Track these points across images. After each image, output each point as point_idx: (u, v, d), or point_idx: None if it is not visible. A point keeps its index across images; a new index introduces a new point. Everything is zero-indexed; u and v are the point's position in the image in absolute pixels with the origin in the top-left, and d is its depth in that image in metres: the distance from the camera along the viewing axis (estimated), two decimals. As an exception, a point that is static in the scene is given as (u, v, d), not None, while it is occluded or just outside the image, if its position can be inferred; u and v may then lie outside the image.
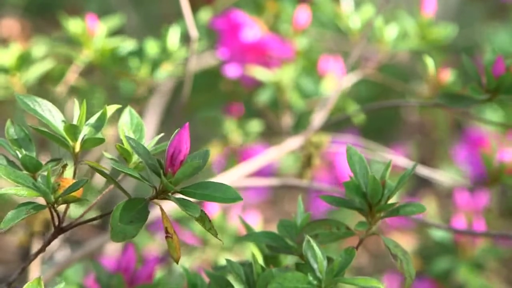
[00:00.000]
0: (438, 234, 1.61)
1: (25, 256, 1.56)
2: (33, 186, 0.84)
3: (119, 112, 0.93)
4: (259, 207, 2.11)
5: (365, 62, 1.58)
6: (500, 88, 1.10)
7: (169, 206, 1.23)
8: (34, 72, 1.42)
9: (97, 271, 1.13)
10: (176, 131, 0.83)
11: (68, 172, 0.87)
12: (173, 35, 1.43)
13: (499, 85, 1.09)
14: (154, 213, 1.30)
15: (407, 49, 1.55)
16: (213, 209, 1.49)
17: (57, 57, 1.48)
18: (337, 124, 1.50)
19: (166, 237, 0.83)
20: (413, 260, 0.89)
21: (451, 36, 1.56)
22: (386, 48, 1.54)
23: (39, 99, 0.88)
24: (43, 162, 0.87)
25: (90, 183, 1.43)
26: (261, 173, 1.66)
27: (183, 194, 0.83)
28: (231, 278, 0.92)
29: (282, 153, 1.41)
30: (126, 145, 0.87)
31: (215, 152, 1.60)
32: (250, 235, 0.95)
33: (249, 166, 1.37)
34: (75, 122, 0.88)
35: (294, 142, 1.41)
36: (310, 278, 0.84)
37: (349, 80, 1.50)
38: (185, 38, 1.45)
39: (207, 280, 0.94)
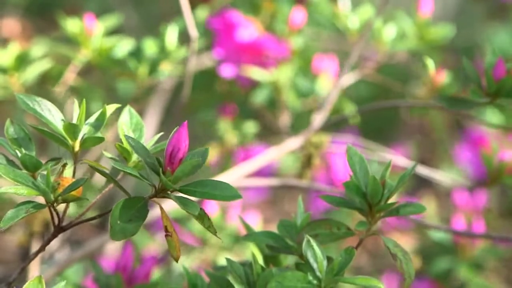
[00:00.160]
0: (438, 235, 1.61)
1: (25, 256, 1.56)
2: (32, 185, 0.84)
3: (118, 112, 0.93)
4: (259, 207, 2.11)
5: (364, 62, 1.58)
6: (500, 91, 1.09)
7: (169, 206, 1.23)
8: (32, 72, 1.42)
9: (95, 271, 1.13)
10: (175, 129, 0.83)
11: (68, 171, 0.87)
12: (171, 34, 1.43)
13: (499, 88, 1.09)
14: (154, 212, 1.30)
15: (406, 49, 1.55)
16: (212, 209, 1.49)
17: (56, 57, 1.48)
18: (336, 124, 1.50)
19: (166, 235, 0.83)
20: (412, 260, 0.89)
21: (449, 36, 1.56)
22: (385, 48, 1.54)
23: (39, 99, 0.88)
24: (43, 162, 0.86)
25: (89, 182, 1.43)
26: (261, 173, 1.66)
27: (182, 193, 0.83)
28: (231, 278, 0.92)
29: (282, 153, 1.41)
30: (126, 144, 0.87)
31: (212, 154, 1.60)
32: (250, 235, 0.95)
33: (249, 166, 1.37)
34: (74, 121, 0.88)
35: (294, 142, 1.41)
36: (310, 277, 0.84)
37: (348, 80, 1.50)
38: (184, 38, 1.45)
39: (207, 280, 0.94)
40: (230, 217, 1.51)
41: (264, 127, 1.64)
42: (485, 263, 1.59)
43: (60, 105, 1.32)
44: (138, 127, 0.91)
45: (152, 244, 1.63)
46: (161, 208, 0.84)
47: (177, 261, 0.84)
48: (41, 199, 0.85)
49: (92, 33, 1.43)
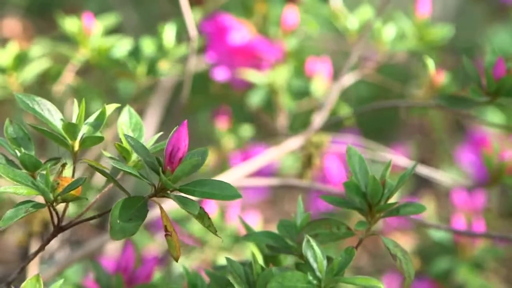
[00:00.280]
0: (438, 234, 1.61)
1: (24, 256, 1.56)
2: (32, 185, 0.84)
3: (118, 111, 0.92)
4: (259, 207, 2.11)
5: (364, 63, 1.58)
6: (500, 90, 1.09)
7: (169, 206, 1.23)
8: (31, 71, 1.42)
9: (96, 271, 1.13)
10: (175, 129, 0.83)
11: (67, 171, 0.87)
12: (169, 32, 1.43)
13: (499, 87, 1.09)
14: (154, 213, 1.30)
15: (405, 49, 1.55)
16: (212, 209, 1.49)
17: (55, 57, 1.48)
18: (336, 124, 1.50)
19: (166, 235, 0.83)
20: (412, 260, 0.88)
21: (449, 36, 1.56)
22: (384, 48, 1.53)
23: (38, 98, 0.88)
24: (42, 161, 0.86)
25: (89, 182, 1.43)
26: (261, 173, 1.66)
27: (182, 192, 0.83)
28: (231, 278, 0.92)
29: (282, 153, 1.41)
30: (125, 144, 0.87)
31: (210, 159, 1.60)
32: (250, 235, 0.95)
33: (249, 166, 1.37)
34: (74, 121, 0.88)
35: (294, 142, 1.41)
36: (310, 277, 0.84)
37: (348, 80, 1.50)
38: (182, 38, 1.45)
39: (207, 280, 0.94)
40: (229, 217, 1.50)
41: (261, 129, 1.64)
42: (485, 263, 1.59)
43: (59, 105, 1.32)
44: (137, 127, 0.91)
45: (152, 244, 1.63)
46: (161, 208, 0.84)
47: (177, 261, 0.84)
48: (40, 199, 0.85)
49: (91, 32, 1.43)
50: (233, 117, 1.64)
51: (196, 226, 1.47)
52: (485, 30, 2.33)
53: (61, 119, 0.88)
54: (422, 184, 2.00)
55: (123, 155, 0.88)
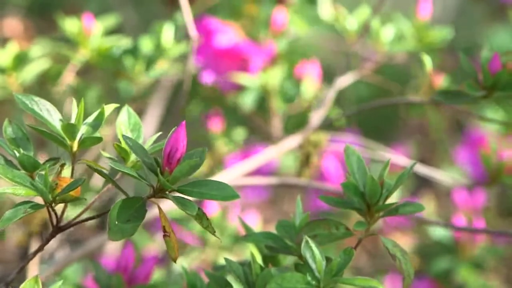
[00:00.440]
0: (438, 233, 1.61)
1: (24, 256, 1.56)
2: (30, 185, 0.84)
3: (116, 112, 0.92)
4: (259, 207, 2.11)
5: (363, 63, 1.58)
6: (496, 85, 1.10)
7: (168, 206, 1.23)
8: (30, 71, 1.42)
9: (96, 271, 1.13)
10: (173, 129, 0.83)
11: (66, 172, 0.87)
12: (167, 31, 1.43)
13: (495, 82, 1.09)
14: (153, 213, 1.30)
15: (404, 51, 1.55)
16: (212, 209, 1.49)
17: (55, 57, 1.48)
18: (333, 123, 1.49)
19: (164, 236, 0.83)
20: (412, 259, 0.88)
21: (448, 38, 1.56)
22: (383, 49, 1.53)
23: (37, 98, 0.88)
24: (41, 162, 0.86)
25: (88, 182, 1.43)
26: (260, 172, 1.66)
27: (180, 193, 0.83)
28: (230, 278, 0.92)
29: (280, 152, 1.41)
30: (124, 144, 0.87)
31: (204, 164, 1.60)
32: (249, 236, 0.95)
33: (248, 165, 1.37)
34: (73, 121, 0.88)
35: (292, 141, 1.41)
36: (309, 278, 0.84)
37: (347, 80, 1.50)
38: (181, 38, 1.45)
39: (206, 280, 0.94)
40: (231, 217, 1.50)
41: (254, 132, 1.64)
42: (485, 262, 1.59)
43: (59, 105, 1.32)
44: (136, 127, 0.91)
45: (152, 244, 1.63)
46: (159, 208, 0.84)
47: (175, 262, 0.84)
48: (39, 199, 0.85)
49: (91, 32, 1.43)
50: (226, 120, 1.63)
51: (195, 226, 1.47)
52: (485, 30, 2.33)
53: (60, 120, 0.88)
54: (422, 184, 2.00)
55: (122, 156, 0.88)
